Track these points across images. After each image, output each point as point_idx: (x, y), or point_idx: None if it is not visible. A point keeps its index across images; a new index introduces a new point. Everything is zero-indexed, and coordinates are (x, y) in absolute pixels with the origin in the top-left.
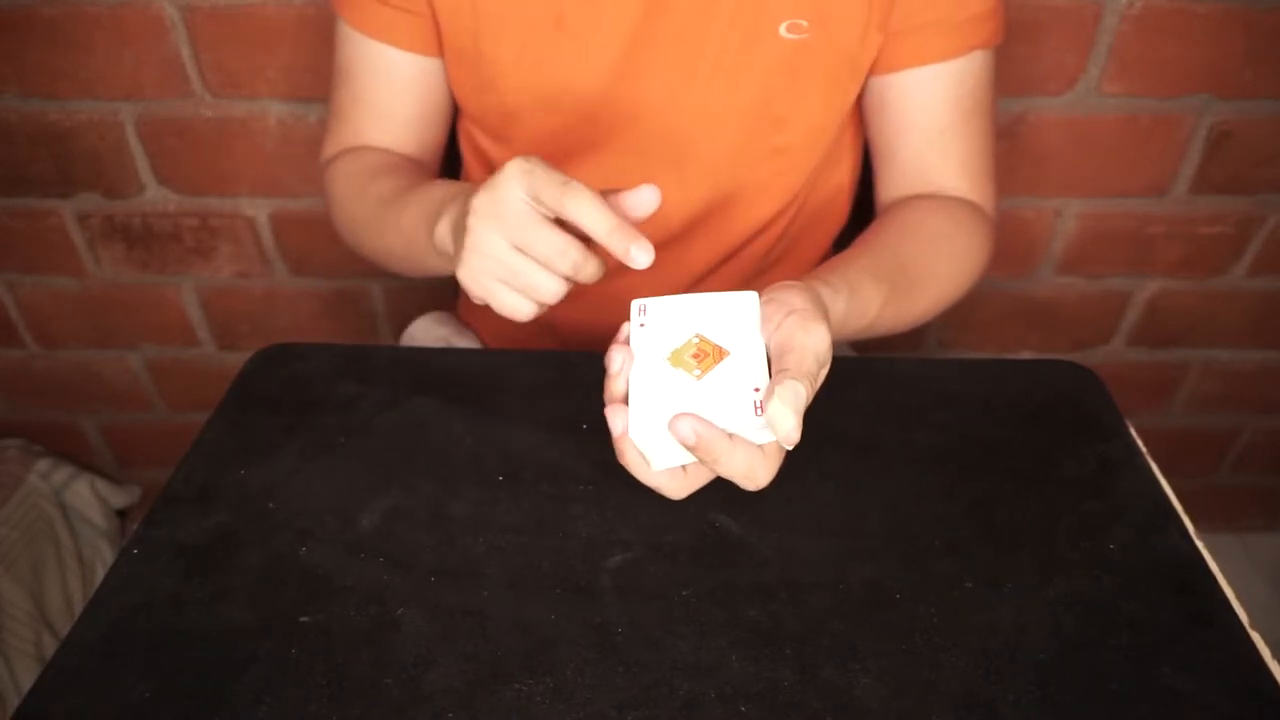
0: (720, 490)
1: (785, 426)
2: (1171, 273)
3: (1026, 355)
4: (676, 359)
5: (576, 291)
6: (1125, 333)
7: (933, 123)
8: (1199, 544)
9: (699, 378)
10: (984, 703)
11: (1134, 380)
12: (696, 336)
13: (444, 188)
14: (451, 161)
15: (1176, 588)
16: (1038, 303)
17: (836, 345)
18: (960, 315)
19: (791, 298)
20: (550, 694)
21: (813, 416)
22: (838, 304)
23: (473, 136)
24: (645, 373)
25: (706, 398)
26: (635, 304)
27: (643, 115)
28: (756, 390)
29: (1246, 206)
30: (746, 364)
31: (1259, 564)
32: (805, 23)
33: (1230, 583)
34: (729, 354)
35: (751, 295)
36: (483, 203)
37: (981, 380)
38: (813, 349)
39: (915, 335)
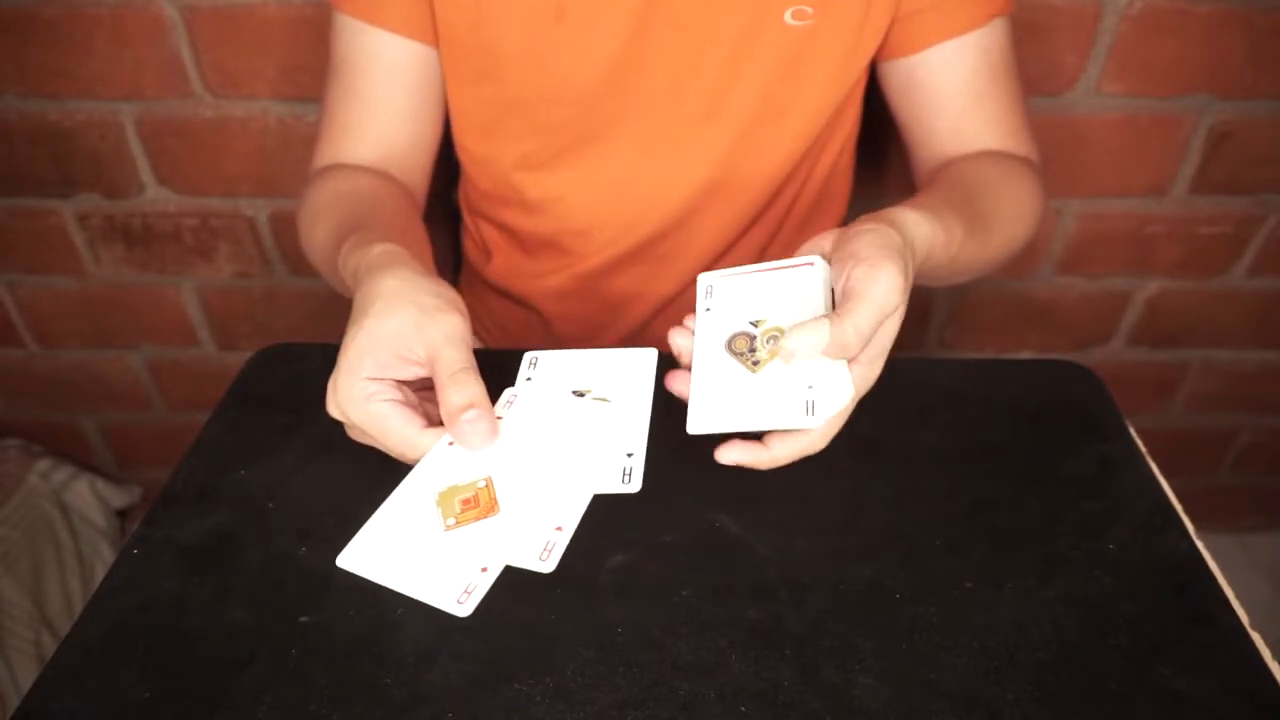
0: (720, 490)
1: (792, 354)
2: (1171, 273)
3: (1027, 355)
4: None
5: (573, 290)
6: (1125, 333)
7: (966, 93)
8: (1199, 544)
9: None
10: (984, 703)
11: (1134, 380)
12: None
13: (356, 264)
14: (450, 164)
15: (1176, 588)
16: (1038, 303)
17: (923, 277)
18: (960, 315)
19: (861, 245)
20: (550, 694)
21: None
22: (922, 229)
23: (460, 139)
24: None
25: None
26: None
27: (644, 107)
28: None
29: (1246, 206)
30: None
31: (1259, 564)
32: (810, 9)
33: (1230, 583)
34: None
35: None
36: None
37: (982, 380)
38: (875, 299)
39: (915, 335)
